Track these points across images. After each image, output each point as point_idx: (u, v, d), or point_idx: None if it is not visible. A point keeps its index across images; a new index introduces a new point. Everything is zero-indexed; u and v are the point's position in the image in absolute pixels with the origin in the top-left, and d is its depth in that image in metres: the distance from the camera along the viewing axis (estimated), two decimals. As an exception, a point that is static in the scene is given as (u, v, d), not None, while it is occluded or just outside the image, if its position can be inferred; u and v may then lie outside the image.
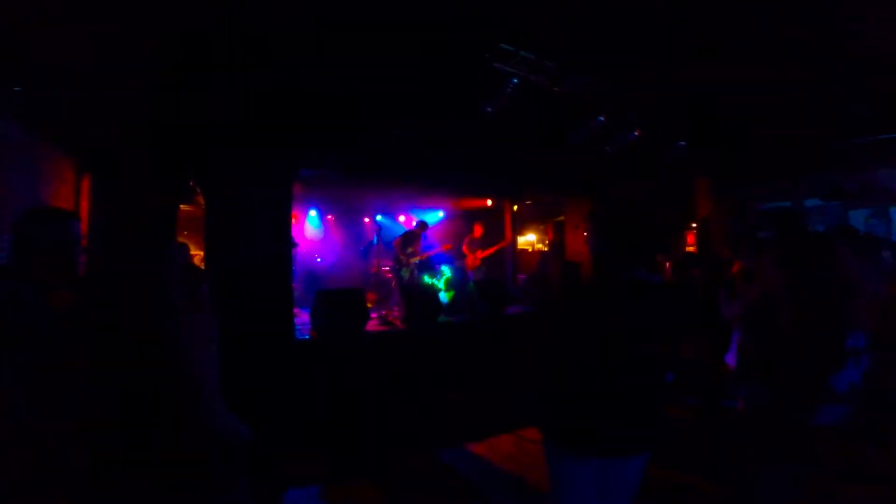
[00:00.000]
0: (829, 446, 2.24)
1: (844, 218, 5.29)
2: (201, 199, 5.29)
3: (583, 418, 2.01)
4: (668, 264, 7.22)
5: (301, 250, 8.22)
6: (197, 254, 6.44)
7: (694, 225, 7.58)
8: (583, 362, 2.02)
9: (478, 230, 9.17)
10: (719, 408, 4.06)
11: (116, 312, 1.59)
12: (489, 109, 6.77)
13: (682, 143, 7.80)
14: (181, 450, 1.47)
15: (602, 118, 7.57)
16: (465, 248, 9.43)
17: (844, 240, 4.56)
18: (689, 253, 7.28)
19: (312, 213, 8.94)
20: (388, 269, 8.44)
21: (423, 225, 8.44)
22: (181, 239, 6.15)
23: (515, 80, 6.51)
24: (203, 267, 5.65)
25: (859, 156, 5.58)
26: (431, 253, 8.53)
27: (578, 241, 8.82)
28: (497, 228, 9.63)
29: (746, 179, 6.62)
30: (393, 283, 7.83)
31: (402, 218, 9.66)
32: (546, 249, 9.80)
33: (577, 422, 2.02)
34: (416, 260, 8.19)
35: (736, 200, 6.82)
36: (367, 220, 9.16)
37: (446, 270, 8.72)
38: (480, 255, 9.03)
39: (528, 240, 10.05)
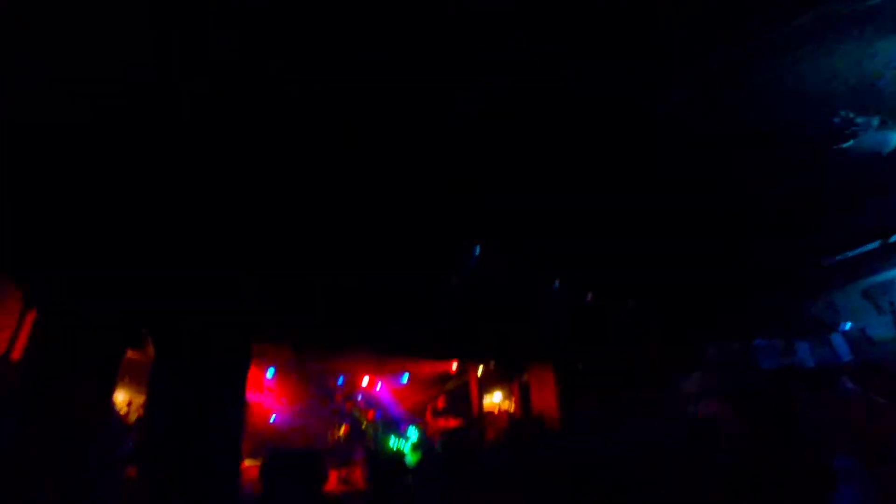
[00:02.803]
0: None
1: (792, 351, 5.55)
2: (151, 348, 5.08)
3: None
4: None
5: (258, 409, 7.73)
6: (136, 399, 6.00)
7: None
8: None
9: (441, 401, 9.00)
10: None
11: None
12: (454, 279, 7.11)
13: (632, 300, 8.27)
14: None
15: (557, 283, 8.04)
16: (428, 416, 9.08)
17: (798, 381, 4.74)
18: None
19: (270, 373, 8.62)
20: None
21: None
22: (122, 385, 5.75)
23: (477, 252, 6.95)
24: (138, 414, 5.22)
25: (794, 292, 6.06)
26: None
27: (544, 400, 8.66)
28: (463, 391, 9.44)
29: (694, 330, 6.98)
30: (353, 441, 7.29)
31: (366, 379, 9.38)
32: (512, 410, 9.52)
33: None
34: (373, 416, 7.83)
35: (685, 350, 7.08)
36: (332, 381, 8.83)
37: (413, 433, 8.25)
38: (443, 424, 8.71)
39: (494, 401, 9.80)
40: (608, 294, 8.40)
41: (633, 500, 4.45)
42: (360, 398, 8.14)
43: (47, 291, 4.53)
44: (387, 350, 8.47)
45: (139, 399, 6.00)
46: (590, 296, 8.51)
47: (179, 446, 4.32)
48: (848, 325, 5.67)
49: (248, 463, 5.23)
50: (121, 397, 6.11)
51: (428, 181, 5.08)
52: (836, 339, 5.46)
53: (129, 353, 5.26)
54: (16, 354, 4.26)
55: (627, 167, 5.07)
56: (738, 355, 5.85)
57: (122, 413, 5.86)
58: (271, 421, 8.33)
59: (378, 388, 9.58)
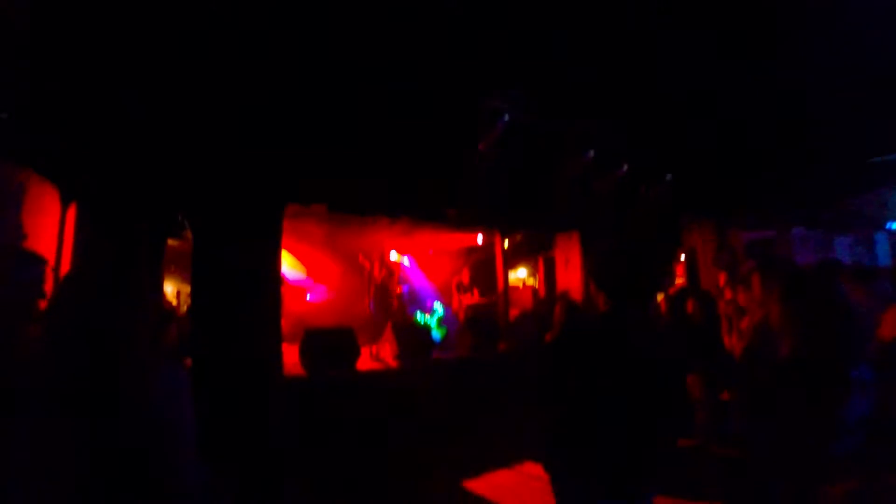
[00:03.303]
0: (842, 476, 2.18)
1: (829, 246, 5.35)
2: (190, 234, 5.20)
3: (592, 459, 1.94)
4: (660, 298, 7.21)
5: (292, 287, 8.15)
6: (182, 288, 6.31)
7: (682, 257, 7.62)
8: (589, 403, 1.96)
9: (466, 275, 9.19)
10: (720, 441, 3.98)
11: (81, 359, 1.48)
12: (481, 147, 6.86)
13: (669, 176, 7.93)
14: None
15: (591, 153, 7.70)
16: (454, 290, 9.37)
17: (841, 270, 4.58)
18: (682, 287, 7.28)
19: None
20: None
21: None
22: (168, 275, 6.03)
23: (506, 118, 6.65)
24: (187, 303, 5.50)
25: (842, 183, 5.69)
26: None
27: (569, 276, 8.82)
28: (488, 266, 9.62)
29: (731, 210, 6.74)
30: (381, 316, 7.70)
31: (393, 254, 9.63)
32: (537, 286, 9.78)
33: (587, 462, 1.94)
34: (400, 291, 8.18)
35: (721, 231, 6.90)
36: (360, 256, 9.11)
37: (439, 308, 8.64)
38: (468, 300, 8.99)
39: (519, 276, 10.03)
40: (644, 168, 8.09)
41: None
42: (388, 273, 8.42)
43: (82, 184, 4.56)
44: (415, 221, 8.55)
45: (187, 288, 6.29)
46: (625, 167, 8.21)
47: (224, 332, 4.59)
48: (894, 225, 5.34)
49: (287, 346, 5.56)
50: (169, 289, 6.45)
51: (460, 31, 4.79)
52: (879, 238, 5.18)
53: (171, 243, 5.43)
54: (63, 262, 4.40)
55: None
56: (774, 245, 5.67)
57: (172, 304, 6.20)
58: (307, 299, 8.78)
59: (405, 264, 9.84)
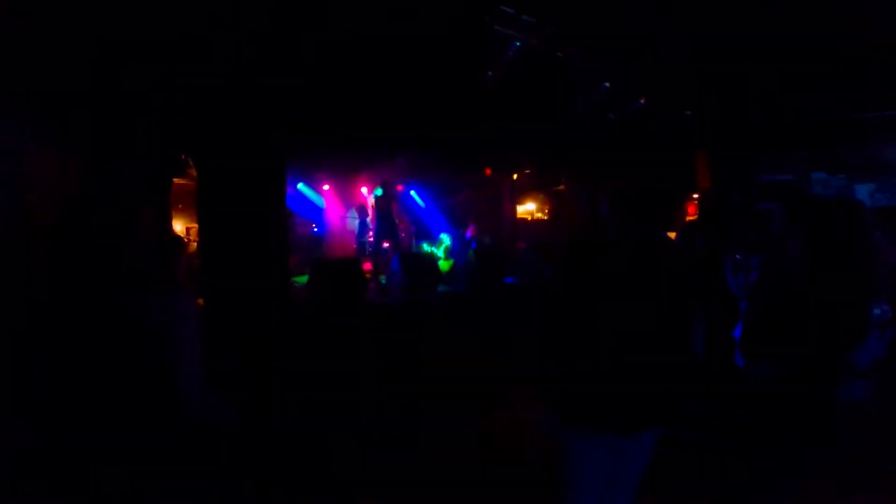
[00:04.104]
0: (850, 423, 2.18)
1: (849, 192, 5.21)
2: (194, 172, 5.12)
3: (596, 394, 1.93)
4: (672, 235, 7.10)
5: (300, 221, 8.13)
6: (192, 227, 6.31)
7: (695, 196, 7.49)
8: (593, 333, 1.93)
9: (475, 206, 9.12)
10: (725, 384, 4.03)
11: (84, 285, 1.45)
12: (490, 74, 6.58)
13: (688, 112, 7.63)
14: (156, 437, 1.39)
15: (607, 84, 7.38)
16: (467, 220, 9.34)
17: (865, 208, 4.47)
18: (693, 221, 7.18)
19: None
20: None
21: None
22: (175, 213, 6.01)
23: (518, 44, 6.32)
24: (196, 240, 5.51)
25: (866, 131, 5.47)
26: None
27: (579, 211, 8.72)
28: (497, 197, 9.53)
29: (749, 151, 6.53)
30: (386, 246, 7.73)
31: (399, 188, 9.54)
32: (546, 218, 9.72)
33: (590, 398, 1.94)
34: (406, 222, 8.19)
35: (737, 172, 6.73)
36: (364, 189, 9.00)
37: (445, 239, 8.62)
38: (476, 231, 8.96)
39: (528, 208, 9.95)
40: (662, 102, 7.79)
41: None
42: (395, 204, 8.36)
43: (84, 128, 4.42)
44: (423, 157, 8.41)
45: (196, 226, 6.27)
46: (643, 100, 7.90)
47: (232, 268, 4.61)
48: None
49: (297, 281, 5.61)
50: (178, 227, 6.41)
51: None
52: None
53: (177, 181, 5.33)
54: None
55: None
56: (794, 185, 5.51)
57: (185, 240, 6.19)
58: (314, 232, 8.77)
59: (412, 194, 9.76)
